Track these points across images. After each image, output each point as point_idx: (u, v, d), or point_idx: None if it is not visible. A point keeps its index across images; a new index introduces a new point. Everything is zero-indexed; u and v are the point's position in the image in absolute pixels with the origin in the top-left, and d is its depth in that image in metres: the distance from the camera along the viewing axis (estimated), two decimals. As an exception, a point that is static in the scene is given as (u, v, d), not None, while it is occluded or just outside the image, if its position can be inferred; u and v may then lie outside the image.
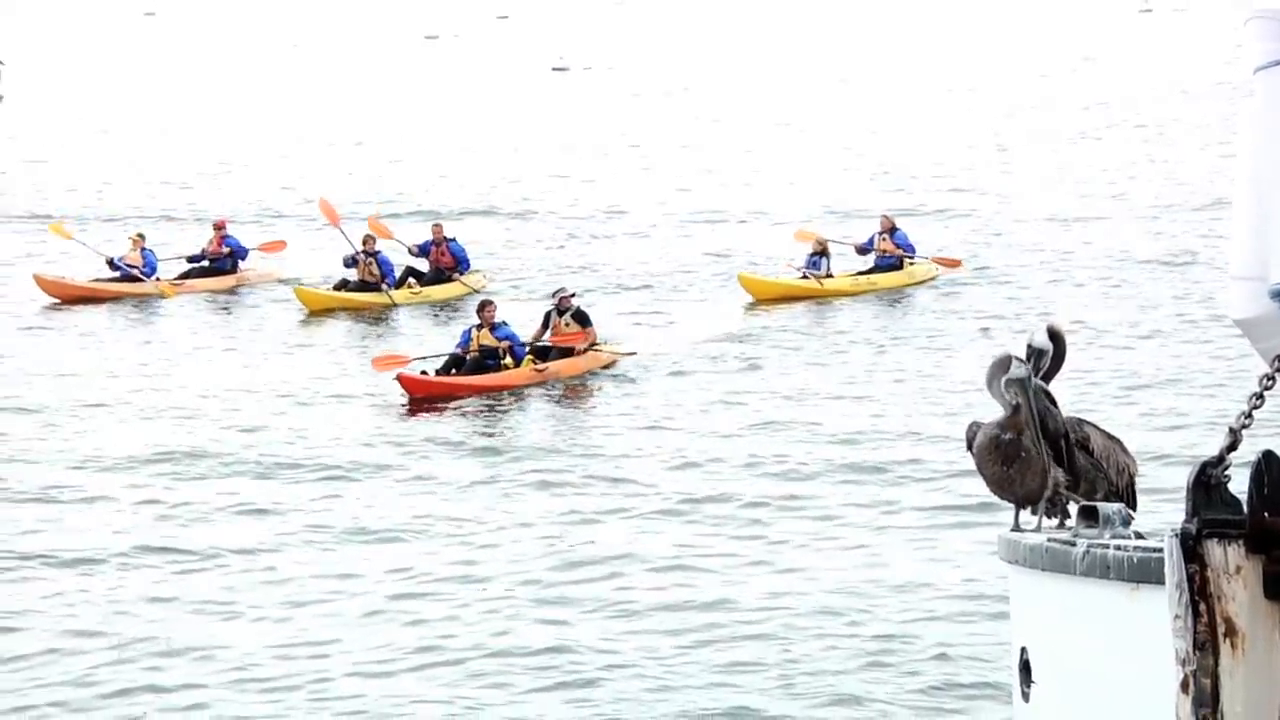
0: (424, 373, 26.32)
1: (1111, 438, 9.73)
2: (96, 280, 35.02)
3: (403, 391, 25.85)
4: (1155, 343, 28.53)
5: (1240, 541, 6.72)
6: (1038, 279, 34.18)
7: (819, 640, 16.25)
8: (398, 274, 34.01)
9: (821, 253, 33.31)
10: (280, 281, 35.38)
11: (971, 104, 65.73)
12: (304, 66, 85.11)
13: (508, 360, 26.64)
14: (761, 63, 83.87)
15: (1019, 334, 27.04)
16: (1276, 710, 6.80)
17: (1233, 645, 6.67)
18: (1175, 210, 41.14)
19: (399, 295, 33.60)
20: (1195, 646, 6.71)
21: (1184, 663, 6.75)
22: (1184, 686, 6.74)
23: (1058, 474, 9.33)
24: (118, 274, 34.98)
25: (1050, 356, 9.45)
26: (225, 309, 33.88)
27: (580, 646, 16.30)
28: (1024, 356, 9.36)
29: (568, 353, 27.13)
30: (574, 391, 26.30)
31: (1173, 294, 32.03)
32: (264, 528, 20.15)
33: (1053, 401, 9.40)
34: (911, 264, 33.77)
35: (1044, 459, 9.20)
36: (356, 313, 32.86)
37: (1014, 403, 9.17)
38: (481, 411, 25.46)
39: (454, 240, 34.72)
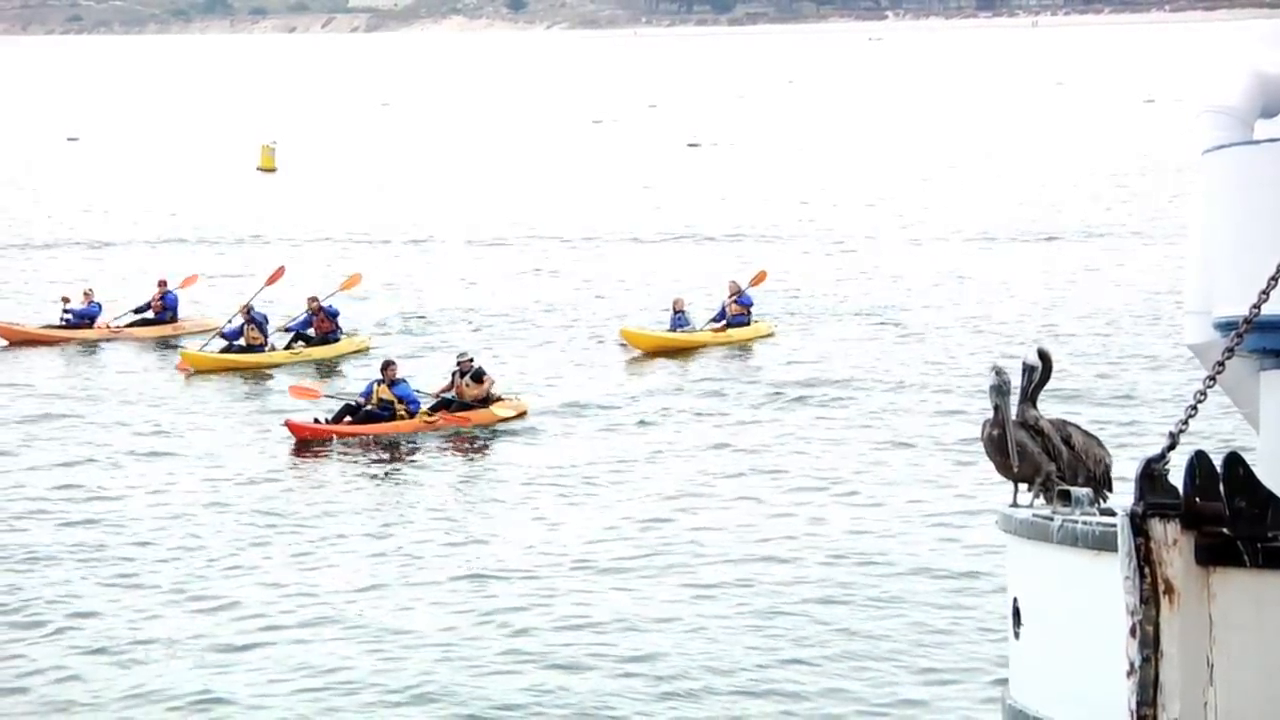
0: (316, 420, 23.59)
1: (1090, 435, 9.57)
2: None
3: (289, 435, 23.08)
4: (1125, 358, 28.14)
5: (1177, 520, 6.77)
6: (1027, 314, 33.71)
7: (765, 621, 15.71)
8: (286, 340, 29.91)
9: (683, 310, 31.30)
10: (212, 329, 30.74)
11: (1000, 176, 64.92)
12: (510, 143, 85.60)
13: (402, 413, 23.83)
14: (837, 138, 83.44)
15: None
16: (1204, 651, 6.82)
17: (1170, 600, 6.73)
18: (1152, 254, 40.62)
19: (282, 356, 29.50)
20: (1141, 601, 6.74)
21: (1132, 613, 6.78)
22: (1132, 631, 6.78)
23: (1049, 465, 9.16)
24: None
25: (1040, 372, 9.34)
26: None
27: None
28: (1020, 371, 9.24)
29: (466, 407, 24.31)
30: (464, 440, 23.67)
31: (1139, 324, 31.50)
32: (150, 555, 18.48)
33: (1034, 411, 9.29)
34: (757, 322, 31.75)
35: (1034, 454, 9.06)
36: (245, 371, 28.99)
37: (994, 403, 9.13)
38: (373, 458, 22.76)
39: (330, 306, 30.37)
